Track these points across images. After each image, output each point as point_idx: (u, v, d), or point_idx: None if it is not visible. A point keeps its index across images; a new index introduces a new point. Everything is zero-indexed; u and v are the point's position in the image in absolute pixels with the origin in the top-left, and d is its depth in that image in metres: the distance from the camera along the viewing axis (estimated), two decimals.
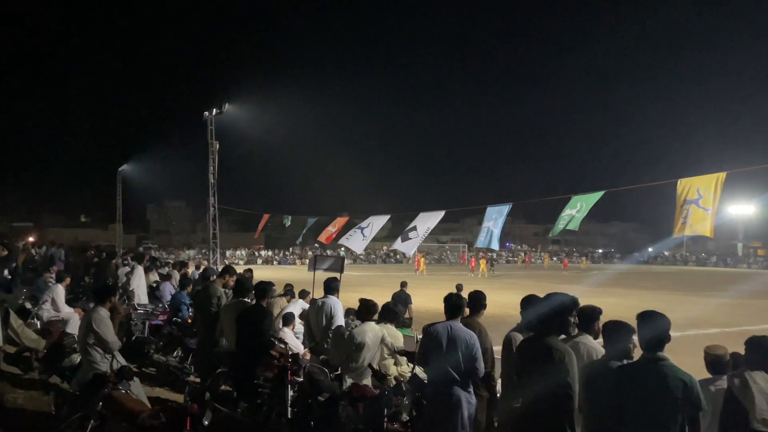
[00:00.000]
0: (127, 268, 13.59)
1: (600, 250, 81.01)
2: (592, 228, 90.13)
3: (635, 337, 3.89)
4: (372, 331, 6.28)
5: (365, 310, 6.53)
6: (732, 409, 3.69)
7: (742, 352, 4.32)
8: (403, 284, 13.55)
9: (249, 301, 7.15)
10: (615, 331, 4.07)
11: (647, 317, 3.61)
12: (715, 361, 4.50)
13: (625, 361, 3.88)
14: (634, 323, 4.05)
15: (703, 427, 3.97)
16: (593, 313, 4.59)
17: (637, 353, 3.71)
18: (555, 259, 69.50)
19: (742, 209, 56.93)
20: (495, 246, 9.36)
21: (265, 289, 6.93)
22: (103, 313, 5.99)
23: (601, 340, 4.32)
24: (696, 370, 4.73)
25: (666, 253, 73.22)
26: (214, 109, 23.93)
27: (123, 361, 6.06)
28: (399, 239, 11.53)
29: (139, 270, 12.48)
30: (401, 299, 13.12)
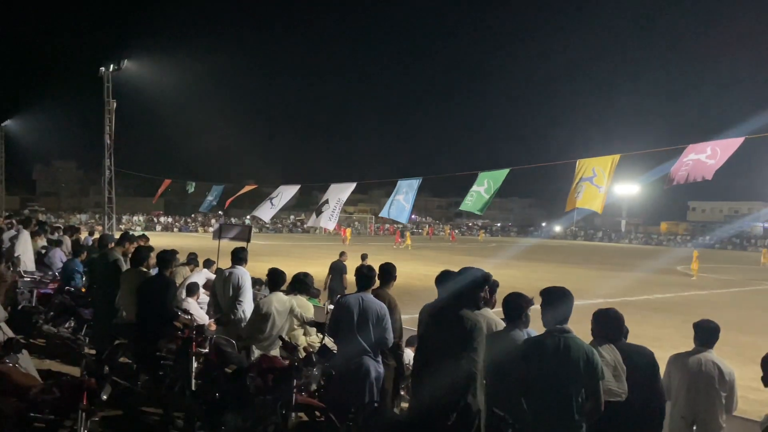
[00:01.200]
0: (12, 233, 12.57)
1: (498, 224, 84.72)
2: (492, 203, 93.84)
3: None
4: (279, 302, 6.22)
5: (274, 280, 6.46)
6: None
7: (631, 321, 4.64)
8: (342, 254, 13.54)
9: (147, 270, 6.84)
10: (515, 302, 4.29)
11: (551, 293, 3.78)
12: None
13: (527, 333, 4.10)
14: (531, 295, 4.28)
15: None
16: (491, 285, 4.79)
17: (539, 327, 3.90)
18: (457, 231, 71.90)
19: (626, 189, 61.49)
20: (404, 220, 9.52)
21: (168, 258, 6.65)
22: None
23: (499, 310, 4.53)
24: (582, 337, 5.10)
25: (557, 229, 77.79)
26: (112, 65, 22.40)
27: (10, 333, 5.65)
28: (313, 215, 11.41)
29: (26, 235, 11.56)
30: (338, 269, 13.10)
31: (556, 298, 3.72)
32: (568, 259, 37.12)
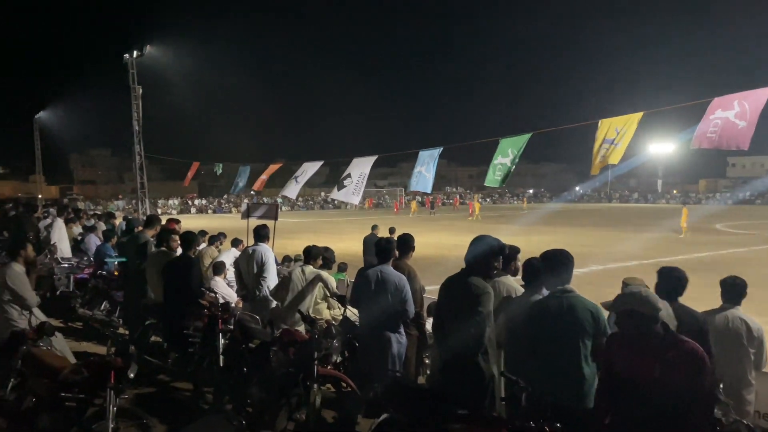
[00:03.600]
0: (48, 221, 12.95)
1: (531, 191, 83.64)
2: (524, 169, 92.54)
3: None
4: (305, 271, 6.41)
5: (305, 255, 6.71)
6: None
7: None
8: (374, 228, 13.58)
9: (170, 251, 6.99)
10: (532, 266, 4.26)
11: (551, 257, 3.79)
12: None
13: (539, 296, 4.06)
14: None
15: None
16: (511, 252, 4.76)
17: None
18: (488, 200, 71.33)
19: (662, 148, 59.73)
20: (428, 190, 9.45)
21: (191, 239, 6.76)
22: (17, 268, 5.70)
23: (519, 278, 4.49)
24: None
25: (591, 192, 76.37)
26: (135, 52, 22.62)
27: (43, 317, 5.84)
28: (335, 189, 11.41)
29: (59, 222, 11.91)
30: (371, 243, 13.17)
31: (557, 262, 3.71)
32: (601, 221, 36.52)
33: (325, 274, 6.66)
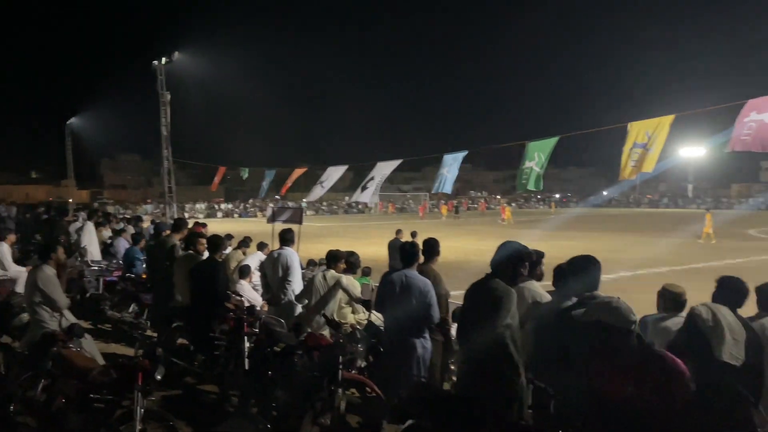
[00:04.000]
0: (78, 224, 13.20)
1: (557, 195, 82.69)
2: (550, 173, 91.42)
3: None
4: (326, 276, 6.40)
5: (328, 259, 6.71)
6: (699, 343, 3.72)
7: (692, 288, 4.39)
8: (398, 232, 13.57)
9: (197, 254, 7.04)
10: (562, 273, 4.18)
11: (576, 262, 3.75)
12: (674, 299, 4.56)
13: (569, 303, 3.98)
14: None
15: None
16: (536, 257, 4.69)
17: None
18: (513, 204, 70.73)
19: (692, 151, 58.40)
20: (447, 190, 9.45)
21: (217, 242, 6.82)
22: (48, 271, 5.81)
23: (544, 283, 4.42)
24: (647, 306, 4.88)
25: (618, 197, 75.12)
26: (164, 58, 22.98)
27: (73, 319, 5.93)
28: (359, 191, 11.49)
29: (89, 226, 12.13)
30: (395, 247, 13.16)
31: (583, 268, 3.64)
32: (629, 226, 35.90)
33: (345, 279, 6.65)
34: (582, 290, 3.57)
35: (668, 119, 6.54)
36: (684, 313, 4.08)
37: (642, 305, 3.64)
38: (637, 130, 7.11)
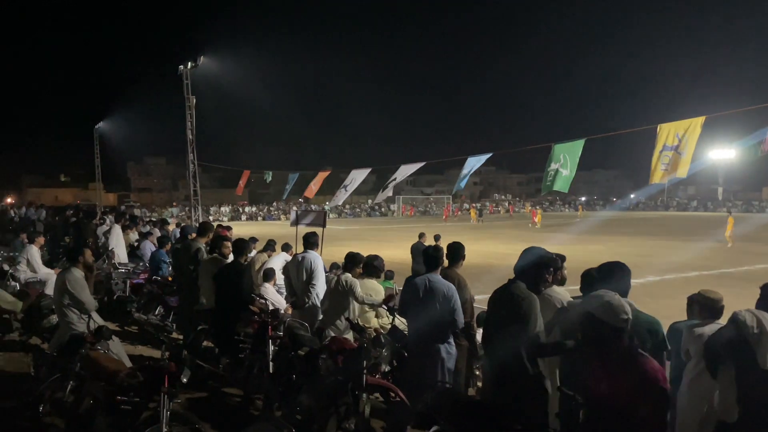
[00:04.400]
0: (106, 227, 13.42)
1: (583, 198, 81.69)
2: (576, 176, 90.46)
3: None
4: (340, 280, 6.35)
5: (345, 262, 6.64)
6: (742, 351, 3.62)
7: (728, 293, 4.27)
8: (421, 236, 13.48)
9: (222, 257, 7.07)
10: (591, 278, 4.10)
11: (606, 268, 3.73)
12: (710, 306, 4.44)
13: None
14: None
15: (690, 369, 4.00)
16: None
17: None
18: (537, 207, 70.10)
19: (722, 153, 57.26)
20: (460, 187, 9.47)
21: (242, 245, 6.85)
22: (77, 273, 5.88)
23: (569, 287, 4.33)
24: (676, 311, 4.76)
25: (646, 200, 73.92)
26: (189, 63, 23.29)
27: (100, 321, 5.99)
28: (380, 192, 11.53)
29: (117, 229, 12.31)
30: (418, 251, 13.10)
31: (613, 274, 3.57)
32: (656, 230, 35.27)
33: (371, 285, 6.60)
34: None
35: (699, 121, 6.39)
36: (721, 320, 3.97)
37: (671, 311, 3.56)
38: (667, 132, 6.96)
